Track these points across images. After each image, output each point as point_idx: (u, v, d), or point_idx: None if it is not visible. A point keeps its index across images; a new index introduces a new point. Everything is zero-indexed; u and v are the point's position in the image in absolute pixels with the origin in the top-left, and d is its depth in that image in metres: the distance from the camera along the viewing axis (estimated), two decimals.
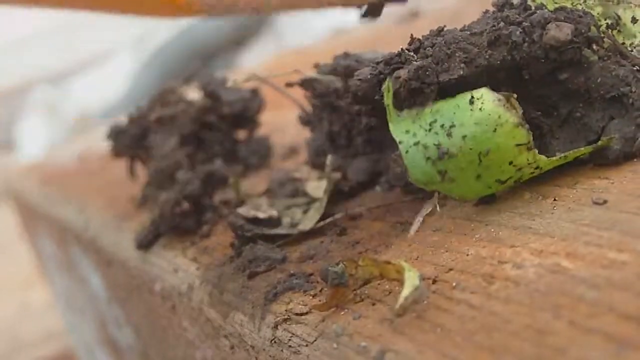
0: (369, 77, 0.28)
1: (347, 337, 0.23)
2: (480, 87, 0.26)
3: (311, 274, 0.28)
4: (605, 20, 0.27)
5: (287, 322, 0.26)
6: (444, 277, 0.24)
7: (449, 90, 0.26)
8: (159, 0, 0.30)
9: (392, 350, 0.22)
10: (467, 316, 0.22)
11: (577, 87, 0.27)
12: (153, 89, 0.46)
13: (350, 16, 0.34)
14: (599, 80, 0.26)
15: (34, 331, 0.95)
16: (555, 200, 0.25)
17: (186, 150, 0.39)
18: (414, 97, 0.26)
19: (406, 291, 0.23)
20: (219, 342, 0.30)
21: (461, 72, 0.26)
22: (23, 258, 0.90)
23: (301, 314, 0.26)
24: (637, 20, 0.28)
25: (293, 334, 0.25)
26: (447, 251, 0.25)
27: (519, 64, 0.26)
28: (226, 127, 0.42)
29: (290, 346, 0.25)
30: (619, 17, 0.28)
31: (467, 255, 0.24)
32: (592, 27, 0.26)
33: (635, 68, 0.27)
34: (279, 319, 0.26)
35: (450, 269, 0.24)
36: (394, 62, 0.27)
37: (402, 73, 0.26)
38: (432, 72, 0.26)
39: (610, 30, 0.27)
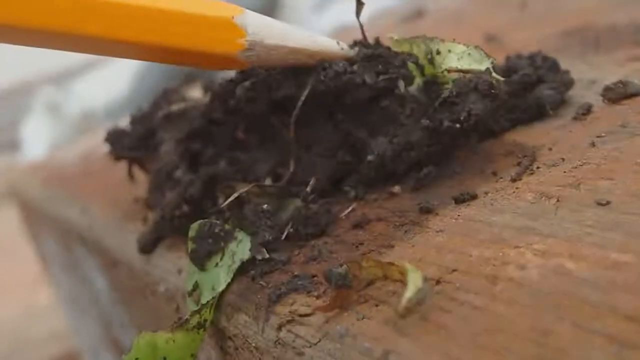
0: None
1: (351, 338, 0.23)
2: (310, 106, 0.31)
3: (315, 275, 0.28)
4: (427, 56, 0.33)
5: (291, 324, 0.26)
6: (447, 278, 0.24)
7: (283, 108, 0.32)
8: (217, 56, 0.31)
9: (396, 351, 0.22)
10: (471, 317, 0.22)
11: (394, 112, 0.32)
12: (157, 89, 0.47)
13: (353, 15, 0.34)
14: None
15: (39, 332, 0.95)
16: (558, 201, 0.26)
17: (191, 148, 0.39)
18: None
19: (410, 292, 0.23)
20: (223, 344, 0.30)
21: (292, 91, 0.32)
22: (28, 259, 0.90)
23: (305, 315, 0.26)
24: (440, 52, 0.33)
25: (297, 335, 0.26)
26: (450, 252, 0.25)
27: (342, 91, 0.32)
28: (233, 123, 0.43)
29: (294, 347, 0.25)
30: (437, 51, 0.33)
31: (471, 256, 0.25)
32: (408, 64, 0.32)
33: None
34: (282, 320, 0.26)
35: (454, 270, 0.24)
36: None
37: (240, 89, 0.32)
38: (265, 87, 0.32)
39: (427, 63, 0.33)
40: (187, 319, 0.29)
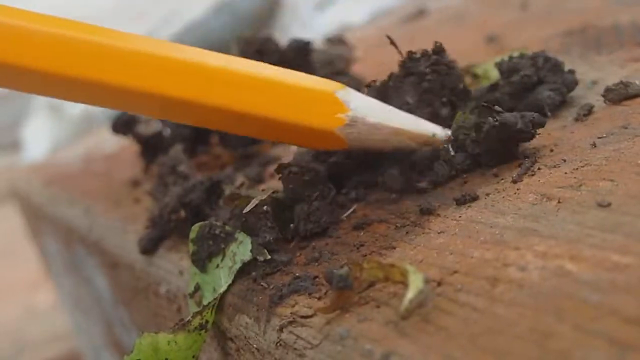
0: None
1: (352, 340, 0.23)
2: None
3: (316, 277, 0.28)
4: None
5: (292, 325, 0.26)
6: (448, 279, 0.24)
7: None
8: (317, 131, 0.30)
9: (397, 352, 0.22)
10: (471, 319, 0.22)
11: None
12: None
13: (356, 13, 0.34)
14: None
15: (40, 333, 0.95)
16: (559, 202, 0.26)
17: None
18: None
19: (411, 294, 0.23)
20: (225, 345, 0.30)
21: None
22: (29, 260, 0.90)
23: (306, 317, 0.26)
24: None
25: (298, 336, 0.26)
26: (451, 254, 0.25)
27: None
28: None
29: (295, 349, 0.25)
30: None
31: (472, 257, 0.25)
32: None
33: None
34: (284, 321, 0.26)
35: (455, 272, 0.24)
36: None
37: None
38: None
39: None
40: (188, 321, 0.29)
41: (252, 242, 0.30)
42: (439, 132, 0.31)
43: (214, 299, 0.30)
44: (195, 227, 0.31)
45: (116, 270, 0.44)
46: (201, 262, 0.31)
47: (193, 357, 0.29)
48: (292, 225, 0.31)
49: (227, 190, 0.34)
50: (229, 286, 0.30)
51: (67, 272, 0.62)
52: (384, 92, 0.33)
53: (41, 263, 0.79)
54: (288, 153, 0.40)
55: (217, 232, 0.31)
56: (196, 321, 0.29)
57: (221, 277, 0.30)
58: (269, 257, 0.29)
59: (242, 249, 0.30)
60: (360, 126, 0.30)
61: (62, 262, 0.63)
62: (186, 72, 0.29)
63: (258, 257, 0.30)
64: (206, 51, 0.30)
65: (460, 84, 0.33)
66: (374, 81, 0.33)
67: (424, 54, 0.33)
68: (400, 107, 0.32)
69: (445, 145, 0.31)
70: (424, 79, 0.32)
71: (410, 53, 0.33)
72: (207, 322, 0.29)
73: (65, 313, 0.75)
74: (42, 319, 0.97)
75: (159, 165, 0.39)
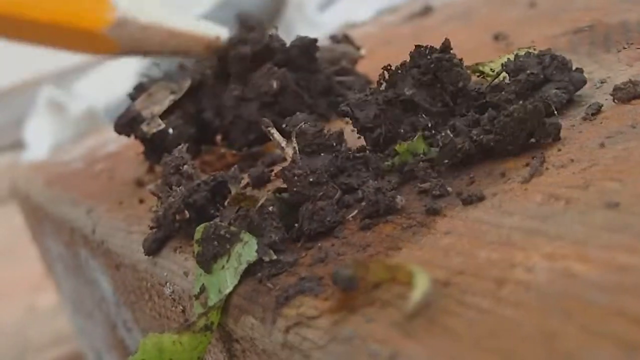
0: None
1: (358, 341, 0.23)
2: None
3: (322, 277, 0.27)
4: None
5: (299, 326, 0.26)
6: (454, 280, 0.24)
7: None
8: (85, 33, 0.28)
9: (403, 353, 0.22)
10: (478, 320, 0.21)
11: None
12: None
13: (362, 12, 0.34)
14: None
15: (42, 334, 0.95)
16: (566, 203, 0.25)
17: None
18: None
19: (417, 295, 0.23)
20: (230, 346, 0.30)
21: None
22: (31, 260, 0.90)
23: (312, 318, 0.26)
24: None
25: (304, 337, 0.25)
26: (458, 254, 0.25)
27: None
28: None
29: (301, 350, 0.25)
30: None
31: (478, 258, 0.24)
32: None
33: None
34: (290, 322, 0.26)
35: (461, 273, 0.24)
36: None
37: None
38: None
39: None
40: (194, 322, 0.28)
41: (257, 243, 0.30)
42: (224, 34, 0.30)
43: (220, 300, 0.29)
44: (200, 228, 0.31)
45: (120, 271, 0.44)
46: (206, 263, 0.30)
47: (198, 358, 0.29)
48: (296, 225, 0.31)
49: (232, 190, 0.34)
50: (235, 287, 0.30)
51: (69, 273, 0.62)
52: (392, 79, 0.33)
53: (42, 264, 0.79)
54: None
55: (222, 232, 0.30)
56: (201, 322, 0.28)
57: (227, 278, 0.30)
58: (275, 257, 0.29)
59: (247, 250, 0.30)
60: (131, 27, 0.29)
61: (64, 263, 0.63)
62: None
63: (264, 258, 0.29)
64: None
65: (460, 81, 0.33)
66: (389, 65, 0.33)
67: (431, 49, 0.33)
68: (398, 97, 0.32)
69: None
70: (425, 73, 0.32)
71: (418, 46, 0.33)
72: (212, 323, 0.29)
73: (67, 314, 0.75)
74: (44, 321, 0.97)
75: (162, 165, 0.39)
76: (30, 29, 0.28)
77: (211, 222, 0.31)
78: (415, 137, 0.32)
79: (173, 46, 0.29)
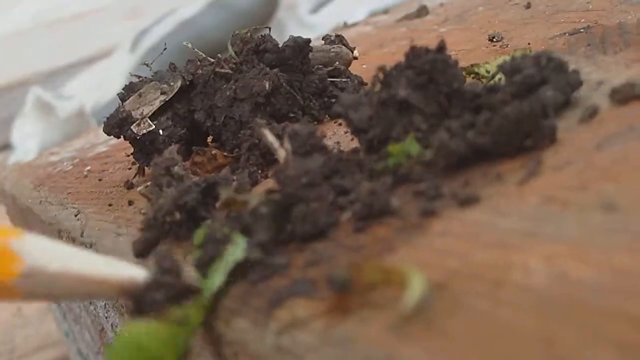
0: None
1: (352, 343, 0.23)
2: None
3: (315, 280, 0.27)
4: None
5: (292, 329, 0.26)
6: (450, 282, 0.24)
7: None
8: None
9: (398, 356, 0.22)
10: (474, 322, 0.21)
11: None
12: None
13: (356, 12, 0.34)
14: None
15: (29, 339, 0.94)
16: (563, 204, 0.25)
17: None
18: None
19: (412, 296, 0.23)
20: (222, 350, 0.30)
21: None
22: None
23: (306, 320, 0.25)
24: None
25: (297, 340, 0.25)
26: (453, 256, 0.25)
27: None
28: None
29: (294, 353, 0.25)
30: None
31: (475, 260, 0.24)
32: None
33: None
34: (283, 325, 0.26)
35: (457, 274, 0.24)
36: None
37: None
38: None
39: None
40: (170, 310, 0.28)
41: (246, 242, 0.29)
42: (139, 275, 0.29)
43: (203, 297, 0.29)
44: (200, 233, 0.31)
45: None
46: (204, 268, 0.30)
47: (177, 356, 0.28)
48: (289, 227, 0.31)
49: (223, 192, 0.34)
50: (225, 288, 0.29)
51: None
52: (386, 80, 0.33)
53: None
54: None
55: (218, 236, 0.30)
56: (177, 312, 0.28)
57: (215, 277, 0.29)
58: (262, 256, 0.29)
59: (235, 250, 0.29)
60: (39, 276, 0.28)
61: None
62: None
63: (251, 257, 0.29)
64: None
65: (455, 82, 0.32)
66: (384, 66, 0.33)
67: (426, 50, 0.32)
68: (393, 98, 0.32)
69: None
70: (420, 74, 0.32)
71: (412, 47, 0.33)
72: (190, 317, 0.28)
73: (54, 318, 0.75)
74: (31, 325, 0.96)
75: (153, 166, 0.39)
76: None
77: (208, 225, 0.31)
78: (408, 138, 0.32)
79: (84, 291, 0.29)
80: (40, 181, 0.63)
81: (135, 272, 0.30)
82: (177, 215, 0.34)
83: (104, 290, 0.29)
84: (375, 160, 0.33)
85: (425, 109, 0.32)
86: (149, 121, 0.45)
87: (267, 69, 0.44)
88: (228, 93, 0.44)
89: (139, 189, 0.40)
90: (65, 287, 0.29)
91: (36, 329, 0.95)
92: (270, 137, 0.34)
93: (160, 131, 0.45)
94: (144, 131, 0.45)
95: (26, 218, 0.65)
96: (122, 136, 0.46)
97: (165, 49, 0.52)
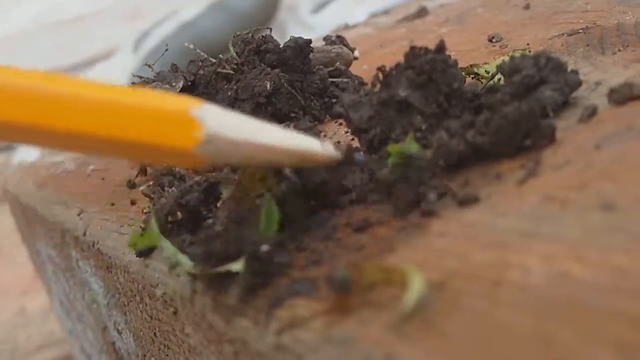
0: None
1: (352, 343, 0.23)
2: None
3: (316, 279, 0.27)
4: None
5: (292, 328, 0.26)
6: (449, 282, 0.24)
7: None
8: (173, 151, 0.29)
9: (398, 356, 0.22)
10: (473, 322, 0.21)
11: None
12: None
13: (356, 13, 0.34)
14: None
15: (32, 337, 0.94)
16: (562, 204, 0.25)
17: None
18: None
19: (411, 296, 0.23)
20: (222, 348, 0.30)
21: None
22: (21, 263, 0.89)
23: (306, 320, 0.25)
24: None
25: (298, 339, 0.25)
26: (452, 256, 0.25)
27: None
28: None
29: (295, 352, 0.25)
30: None
31: (474, 260, 0.24)
32: None
33: None
34: (283, 324, 0.26)
35: (456, 274, 0.24)
36: None
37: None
38: None
39: None
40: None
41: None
42: (317, 146, 0.30)
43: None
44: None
45: (111, 272, 0.44)
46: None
47: None
48: (288, 225, 0.31)
49: (224, 191, 0.34)
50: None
51: (59, 276, 0.62)
52: (386, 80, 0.33)
53: (32, 266, 0.78)
54: None
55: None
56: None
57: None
58: (261, 251, 0.29)
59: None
60: (219, 143, 0.28)
61: (54, 265, 0.62)
62: (29, 98, 0.28)
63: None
64: (50, 74, 0.29)
65: (455, 83, 0.33)
66: (384, 67, 0.33)
67: (425, 50, 0.33)
68: (393, 98, 0.32)
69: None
70: (419, 74, 0.32)
71: (412, 47, 0.33)
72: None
73: (57, 317, 0.75)
74: (34, 323, 0.96)
75: (155, 165, 0.39)
76: (114, 147, 0.29)
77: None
78: (407, 138, 0.32)
79: (264, 159, 0.29)
80: (44, 181, 0.63)
81: (314, 144, 0.30)
82: (179, 215, 0.35)
83: (284, 158, 0.30)
84: (376, 160, 0.33)
85: (425, 109, 0.32)
86: None
87: (269, 69, 0.44)
88: (229, 93, 0.44)
89: (141, 188, 0.40)
90: (245, 155, 0.29)
91: (38, 328, 0.96)
92: None
93: None
94: None
95: (30, 217, 0.65)
96: None
97: (166, 50, 0.52)
